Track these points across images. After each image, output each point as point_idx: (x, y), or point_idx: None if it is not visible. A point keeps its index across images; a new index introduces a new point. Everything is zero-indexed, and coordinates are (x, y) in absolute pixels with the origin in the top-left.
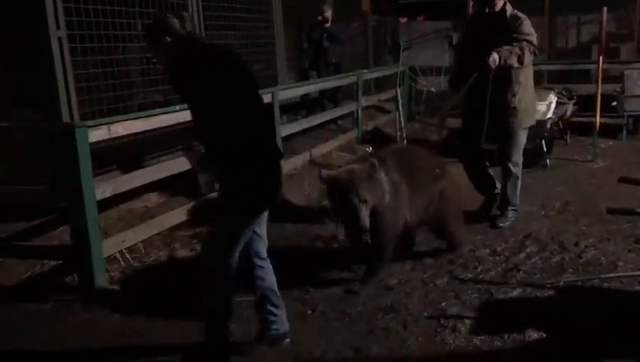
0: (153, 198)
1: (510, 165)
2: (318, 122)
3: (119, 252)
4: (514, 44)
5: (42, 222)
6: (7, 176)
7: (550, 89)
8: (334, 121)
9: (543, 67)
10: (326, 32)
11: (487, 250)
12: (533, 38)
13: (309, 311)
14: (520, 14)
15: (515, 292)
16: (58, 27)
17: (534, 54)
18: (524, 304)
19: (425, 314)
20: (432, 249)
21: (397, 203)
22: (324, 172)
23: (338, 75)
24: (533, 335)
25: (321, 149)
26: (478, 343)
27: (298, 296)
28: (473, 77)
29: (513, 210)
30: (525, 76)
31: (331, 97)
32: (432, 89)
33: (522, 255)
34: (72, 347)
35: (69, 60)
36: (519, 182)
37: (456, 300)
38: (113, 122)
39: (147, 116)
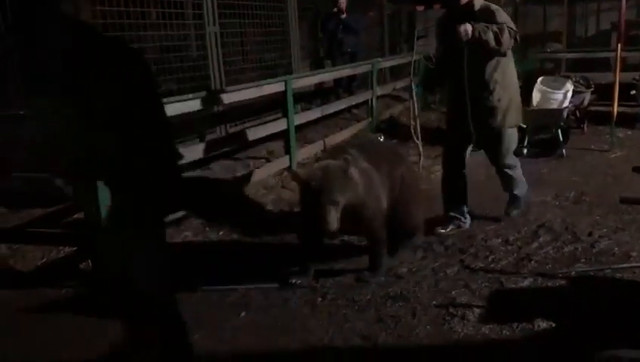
0: None
1: (505, 169)
2: (333, 111)
3: None
4: (493, 25)
5: (58, 210)
6: (23, 165)
7: (567, 77)
8: (349, 109)
9: (561, 55)
10: (341, 23)
11: (500, 240)
12: (512, 26)
13: (319, 299)
14: (492, 5)
15: (526, 282)
16: None
17: (515, 40)
18: (534, 294)
19: (434, 302)
20: (443, 238)
21: (374, 189)
22: (297, 171)
23: (353, 64)
24: (543, 324)
25: (335, 138)
26: (487, 332)
27: (308, 284)
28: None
29: (522, 194)
30: (502, 73)
31: (346, 87)
32: None
33: (535, 244)
34: (78, 335)
35: None
36: (520, 176)
37: (466, 289)
38: None
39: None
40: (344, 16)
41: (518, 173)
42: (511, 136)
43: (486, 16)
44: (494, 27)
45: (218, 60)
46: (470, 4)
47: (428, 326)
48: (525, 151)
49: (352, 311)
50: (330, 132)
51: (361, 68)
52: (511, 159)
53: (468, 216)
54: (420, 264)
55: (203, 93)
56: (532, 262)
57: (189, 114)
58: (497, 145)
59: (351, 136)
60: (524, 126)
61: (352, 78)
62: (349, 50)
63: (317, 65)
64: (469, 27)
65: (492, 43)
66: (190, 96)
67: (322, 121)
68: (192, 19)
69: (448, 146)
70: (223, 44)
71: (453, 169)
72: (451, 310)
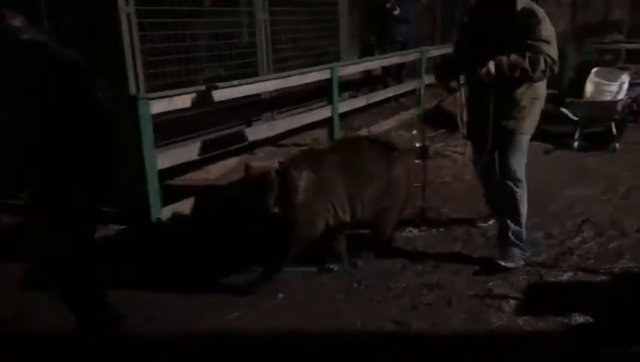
0: (214, 170)
1: (509, 181)
2: (379, 99)
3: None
4: (527, 54)
5: None
6: None
7: (625, 69)
8: (396, 98)
9: (620, 46)
10: (393, 19)
11: (541, 233)
12: (551, 49)
13: (355, 284)
14: (536, 9)
15: (566, 276)
16: (127, 3)
17: (552, 71)
18: (573, 288)
19: (470, 292)
20: (484, 230)
21: (315, 199)
22: (251, 165)
23: (401, 52)
24: (580, 319)
25: (381, 126)
26: (521, 324)
27: (345, 270)
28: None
29: (517, 245)
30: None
31: (395, 75)
32: None
33: (578, 239)
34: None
35: (137, 35)
36: (522, 201)
37: (504, 281)
38: (174, 95)
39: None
40: (397, 12)
41: (521, 195)
42: (522, 143)
43: (528, 22)
44: (526, 63)
45: (267, 47)
46: (511, 1)
47: (463, 316)
48: (576, 144)
49: (387, 297)
50: (376, 120)
51: (409, 56)
52: (519, 171)
53: None
54: (459, 254)
55: (250, 80)
56: (574, 256)
57: (236, 100)
58: (507, 150)
59: (397, 124)
60: (576, 118)
61: (401, 67)
62: (399, 39)
63: (366, 53)
64: (491, 67)
65: (518, 77)
66: (236, 82)
67: (369, 109)
68: (243, 7)
69: (474, 150)
70: (273, 32)
71: (485, 172)
72: (487, 301)
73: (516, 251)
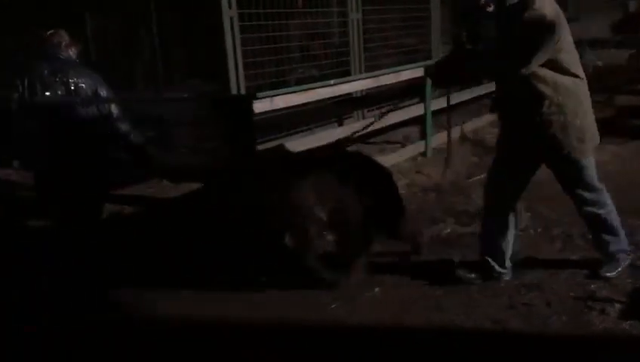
0: None
1: (586, 207)
2: (469, 97)
3: None
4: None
5: None
6: (185, 140)
7: None
8: (490, 95)
9: None
10: (489, 16)
11: None
12: (523, 42)
13: (452, 282)
14: (537, 3)
15: None
16: (230, 7)
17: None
18: None
19: (571, 294)
20: (585, 230)
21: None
22: None
23: None
24: None
25: (473, 124)
26: (628, 328)
27: (441, 268)
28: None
29: (619, 251)
30: (553, 87)
31: None
32: (599, 63)
33: None
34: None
35: (239, 37)
36: (614, 218)
37: (607, 283)
38: (275, 95)
39: (305, 90)
40: (490, 8)
41: (605, 211)
42: (587, 166)
43: (523, 13)
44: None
45: (359, 47)
46: None
47: (563, 317)
48: None
49: (484, 296)
50: (468, 118)
51: None
52: (594, 193)
53: None
54: (558, 255)
55: (346, 79)
56: None
57: (329, 98)
58: (571, 182)
59: (490, 122)
60: None
61: None
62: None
63: (458, 50)
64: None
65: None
66: (332, 82)
67: (462, 106)
68: (335, 7)
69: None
70: (364, 30)
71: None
72: (589, 303)
73: (619, 256)
